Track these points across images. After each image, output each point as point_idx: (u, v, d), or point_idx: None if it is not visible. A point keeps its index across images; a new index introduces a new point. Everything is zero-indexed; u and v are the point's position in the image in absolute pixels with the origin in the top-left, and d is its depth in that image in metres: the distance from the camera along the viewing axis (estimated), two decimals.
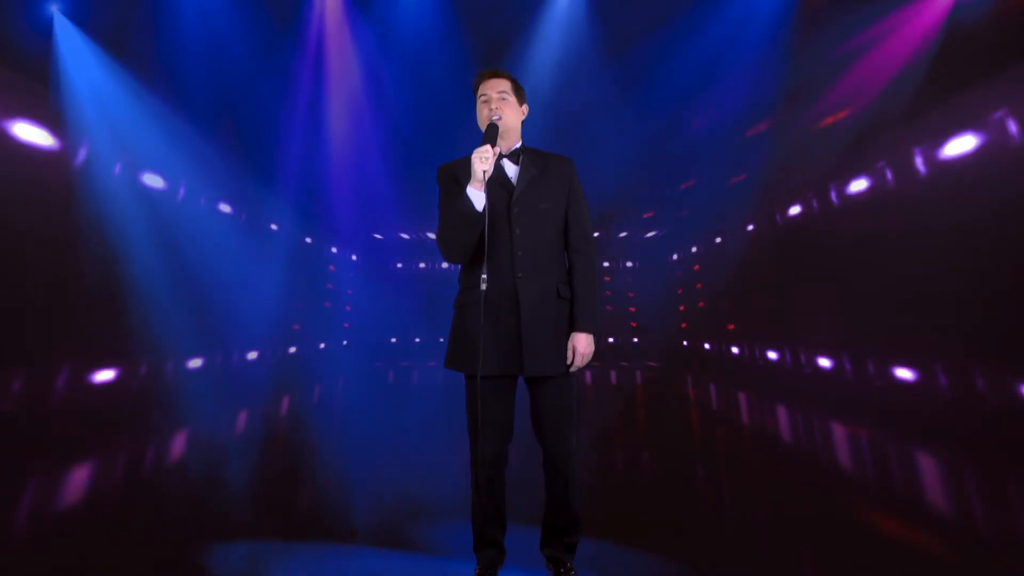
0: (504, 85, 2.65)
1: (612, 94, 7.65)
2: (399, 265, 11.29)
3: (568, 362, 2.57)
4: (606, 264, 10.98)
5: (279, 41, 7.06)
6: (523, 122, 2.71)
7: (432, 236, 10.51)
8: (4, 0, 5.30)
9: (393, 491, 3.92)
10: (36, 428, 5.16)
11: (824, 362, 6.83)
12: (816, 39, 6.25)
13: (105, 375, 6.12)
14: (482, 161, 2.46)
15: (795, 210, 7.39)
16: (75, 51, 5.74)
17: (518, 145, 2.67)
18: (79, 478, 4.30)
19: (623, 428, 6.06)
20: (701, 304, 9.81)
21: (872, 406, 5.80)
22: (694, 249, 9.98)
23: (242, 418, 6.33)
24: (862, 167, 6.16)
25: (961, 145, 5.11)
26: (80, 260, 5.67)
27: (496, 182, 2.56)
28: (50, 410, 5.48)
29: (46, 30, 5.58)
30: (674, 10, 6.94)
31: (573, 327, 2.59)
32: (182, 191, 6.95)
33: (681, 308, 10.25)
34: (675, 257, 10.51)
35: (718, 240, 9.28)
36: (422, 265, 11.32)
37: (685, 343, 10.22)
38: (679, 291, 10.23)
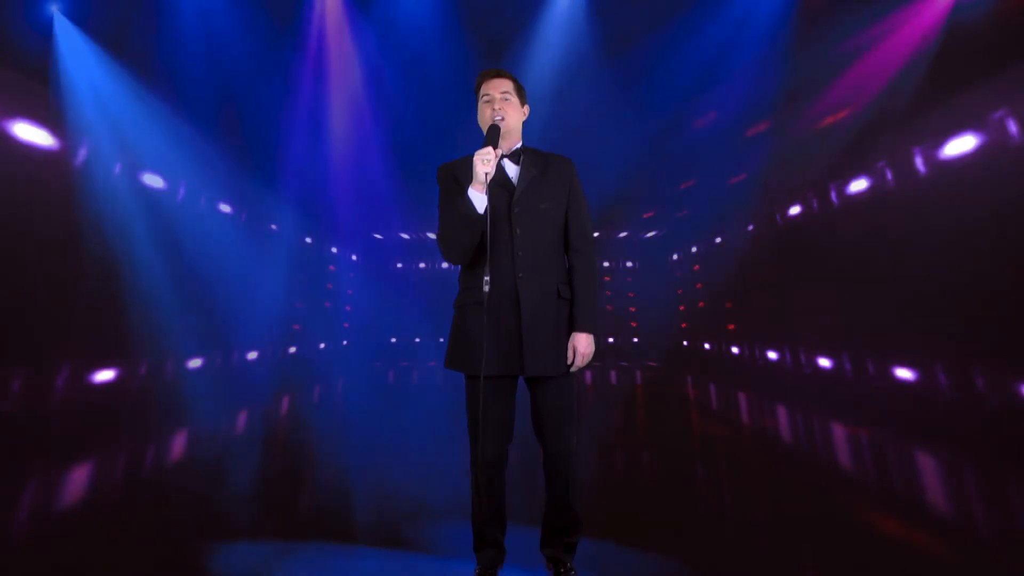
0: (507, 85, 2.65)
1: (612, 94, 7.65)
2: (399, 265, 11.29)
3: (568, 362, 2.57)
4: (606, 264, 10.98)
5: (279, 41, 7.05)
6: (523, 122, 2.72)
7: (432, 236, 10.51)
8: (4, 0, 5.30)
9: (393, 491, 3.91)
10: (36, 428, 5.16)
11: (824, 362, 6.83)
12: (816, 39, 6.24)
13: (105, 375, 6.12)
14: (484, 163, 2.46)
15: (795, 210, 7.39)
16: (75, 51, 5.73)
17: (519, 145, 2.67)
18: (79, 478, 4.30)
19: (623, 428, 6.06)
20: (701, 304, 9.81)
21: (872, 406, 5.80)
22: (694, 249, 9.97)
23: (242, 418, 6.33)
24: (862, 167, 6.15)
25: (961, 145, 5.11)
26: (80, 260, 5.67)
27: (497, 182, 2.56)
28: (50, 410, 5.47)
29: (46, 30, 5.58)
30: (674, 10, 6.94)
31: (573, 327, 2.59)
32: (182, 191, 6.95)
33: (681, 308, 10.23)
34: (675, 257, 10.51)
35: (718, 240, 9.28)
36: (422, 265, 11.31)
37: (685, 343, 10.21)
38: (679, 291, 10.23)
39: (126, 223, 6.04)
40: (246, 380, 7.74)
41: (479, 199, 2.50)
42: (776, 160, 7.24)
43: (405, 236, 11.34)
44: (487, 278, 2.48)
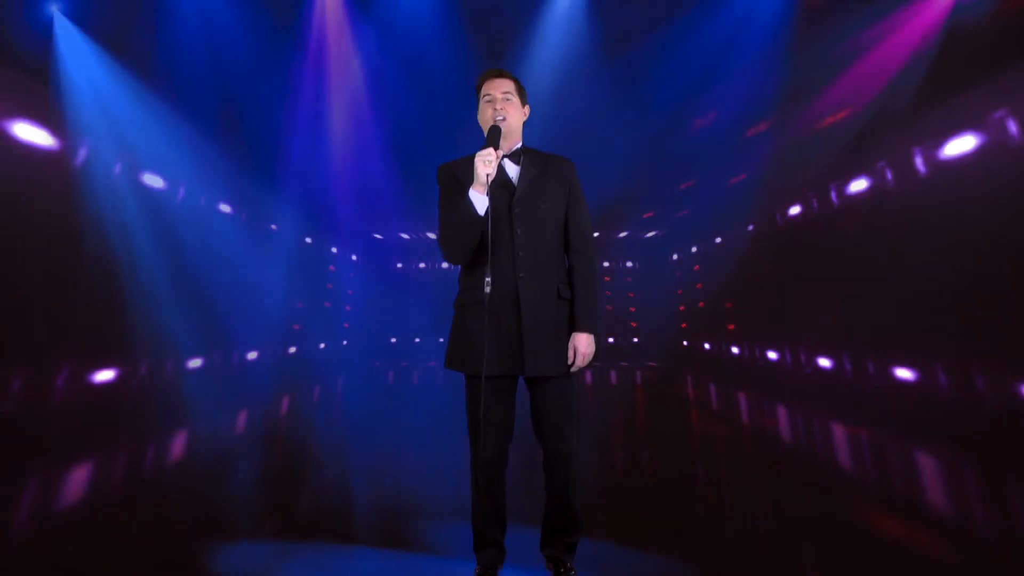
0: (508, 86, 2.65)
1: (612, 94, 7.64)
2: (399, 265, 11.29)
3: (569, 362, 2.57)
4: (606, 264, 10.98)
5: (279, 41, 7.05)
6: (524, 122, 2.72)
7: (432, 236, 10.51)
8: (4, 0, 5.30)
9: (393, 491, 3.91)
10: (36, 428, 5.16)
11: (824, 362, 6.83)
12: (816, 39, 6.24)
13: (105, 375, 6.12)
14: (485, 164, 2.46)
15: (795, 210, 7.39)
16: (75, 51, 5.73)
17: (519, 145, 2.67)
18: (79, 478, 4.30)
19: (623, 428, 6.06)
20: (701, 304, 9.80)
21: (872, 406, 5.80)
22: (694, 249, 9.97)
23: (242, 418, 6.33)
24: (862, 167, 6.15)
25: (961, 145, 5.11)
26: (80, 260, 5.67)
27: (497, 182, 2.56)
28: (50, 410, 5.47)
29: (46, 30, 5.58)
30: (674, 10, 6.93)
31: (574, 327, 2.59)
32: (182, 191, 6.95)
33: (681, 308, 10.23)
34: (675, 257, 10.51)
35: (718, 240, 9.28)
36: (422, 265, 11.31)
37: (685, 343, 10.21)
38: (679, 291, 10.23)
39: (126, 223, 6.04)
40: (246, 380, 7.74)
41: (480, 200, 2.49)
42: (776, 160, 7.23)
43: (405, 236, 11.34)
44: (488, 279, 2.48)
